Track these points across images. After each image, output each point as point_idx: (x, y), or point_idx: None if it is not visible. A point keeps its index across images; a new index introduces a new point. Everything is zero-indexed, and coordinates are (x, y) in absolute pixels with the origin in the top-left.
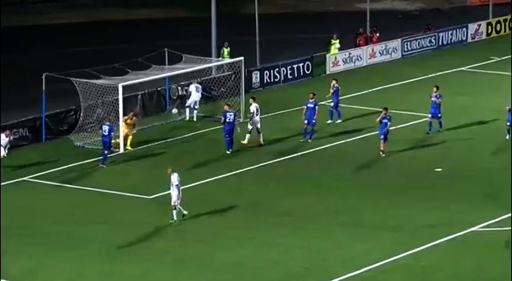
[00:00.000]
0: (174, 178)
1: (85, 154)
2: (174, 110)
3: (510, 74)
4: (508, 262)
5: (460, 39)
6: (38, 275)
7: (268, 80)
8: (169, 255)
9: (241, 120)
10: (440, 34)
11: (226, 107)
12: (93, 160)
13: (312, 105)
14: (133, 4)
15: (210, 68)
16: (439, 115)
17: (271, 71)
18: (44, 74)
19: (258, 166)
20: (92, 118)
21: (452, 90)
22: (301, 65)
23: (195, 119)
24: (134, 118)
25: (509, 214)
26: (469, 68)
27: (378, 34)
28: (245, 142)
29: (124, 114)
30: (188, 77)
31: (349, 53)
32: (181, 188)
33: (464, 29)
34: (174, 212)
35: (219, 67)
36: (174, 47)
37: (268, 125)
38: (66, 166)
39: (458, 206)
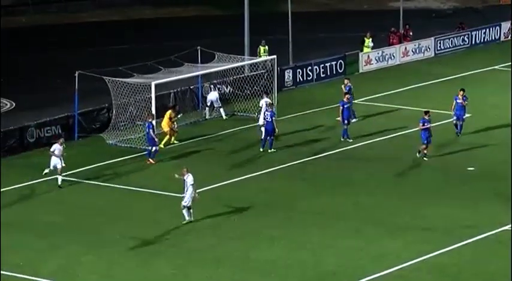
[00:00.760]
0: (190, 178)
1: (117, 152)
2: (206, 112)
3: None
4: None
5: (493, 38)
6: (70, 273)
7: (301, 79)
8: (203, 253)
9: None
10: (473, 33)
11: (269, 107)
12: (125, 158)
13: (348, 106)
14: (166, 3)
15: (242, 66)
16: (464, 118)
17: (304, 69)
18: (76, 73)
19: (289, 165)
20: (124, 116)
21: (485, 89)
22: (334, 63)
23: (223, 117)
24: (170, 111)
25: None
26: (502, 66)
27: (411, 33)
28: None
29: (157, 112)
30: (221, 75)
31: (382, 52)
32: (213, 186)
33: (498, 27)
34: (185, 211)
35: (252, 65)
36: (207, 45)
37: (300, 123)
38: (98, 164)
39: (491, 206)
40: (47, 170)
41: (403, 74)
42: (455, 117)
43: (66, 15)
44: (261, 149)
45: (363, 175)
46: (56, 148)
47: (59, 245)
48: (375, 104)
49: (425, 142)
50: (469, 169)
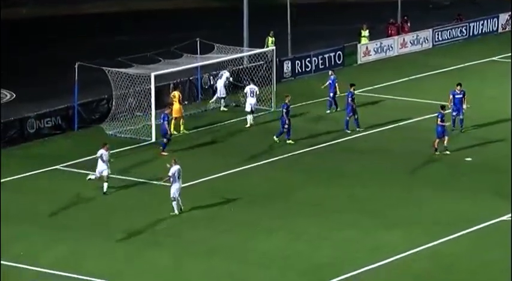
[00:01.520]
0: (174, 169)
1: (117, 143)
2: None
3: None
4: None
5: (490, 29)
6: (71, 263)
7: (300, 70)
8: (200, 244)
9: (272, 109)
10: (471, 24)
11: (287, 100)
12: (125, 148)
13: (353, 97)
14: None
15: (241, 57)
16: (463, 112)
17: (303, 60)
18: (76, 64)
19: (287, 156)
20: (123, 107)
21: (483, 81)
22: (332, 55)
23: (222, 108)
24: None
25: None
26: (499, 58)
27: (408, 24)
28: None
29: (156, 102)
30: (220, 66)
31: (381, 43)
32: (214, 177)
33: (495, 19)
34: (175, 204)
35: (251, 57)
36: (206, 37)
37: (299, 114)
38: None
39: (488, 197)
40: (92, 177)
41: (401, 65)
42: (454, 113)
43: (66, 7)
44: (288, 141)
45: (359, 167)
46: (102, 153)
47: (59, 236)
48: (373, 95)
49: (441, 136)
50: (467, 159)
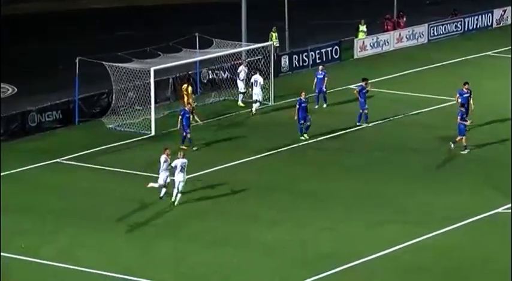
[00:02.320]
0: (180, 162)
1: (117, 136)
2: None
3: None
4: None
5: (485, 24)
6: (72, 256)
7: (297, 64)
8: (202, 235)
9: (270, 103)
10: (466, 19)
11: (303, 95)
12: (125, 142)
13: (364, 91)
14: None
15: (239, 52)
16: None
17: (300, 55)
18: (77, 58)
19: (288, 148)
20: (123, 101)
21: (478, 75)
22: (329, 49)
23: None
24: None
25: None
26: (494, 52)
27: (404, 19)
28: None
29: (156, 95)
30: (219, 61)
31: (377, 38)
32: (215, 169)
33: (490, 14)
34: (175, 192)
35: (249, 51)
36: (205, 32)
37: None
38: (99, 148)
39: (485, 189)
40: (161, 194)
41: (398, 59)
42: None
43: (67, 2)
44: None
45: (361, 160)
46: (164, 159)
47: (60, 229)
48: (369, 89)
49: (463, 133)
50: (462, 152)
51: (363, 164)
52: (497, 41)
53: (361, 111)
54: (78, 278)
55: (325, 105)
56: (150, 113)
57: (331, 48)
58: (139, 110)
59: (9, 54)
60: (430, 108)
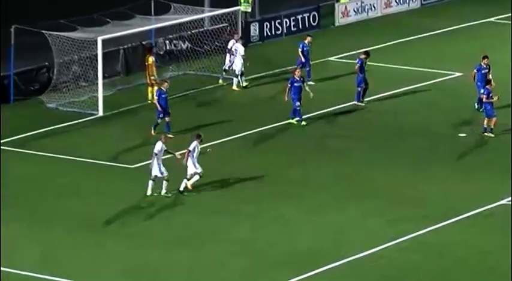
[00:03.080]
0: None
1: (59, 117)
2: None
3: None
4: None
5: None
6: (9, 253)
7: (269, 33)
8: (159, 235)
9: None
10: None
11: (297, 72)
12: (69, 123)
13: (359, 64)
14: None
15: (202, 19)
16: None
17: (272, 22)
18: (12, 27)
19: (258, 130)
20: (66, 76)
21: (479, 43)
22: (306, 15)
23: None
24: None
25: None
26: (498, 19)
27: None
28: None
29: (104, 70)
30: (177, 29)
31: (361, 2)
32: (168, 156)
33: None
34: (164, 184)
35: (213, 18)
36: None
37: (268, 83)
38: (38, 131)
39: (485, 177)
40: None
41: (385, 27)
42: (481, 91)
43: None
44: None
45: (340, 144)
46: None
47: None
48: (353, 61)
49: (491, 114)
50: (461, 135)
51: (341, 149)
52: (502, 5)
53: (359, 89)
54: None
55: (311, 82)
56: (97, 90)
57: (308, 14)
58: (84, 86)
59: None
60: (426, 83)
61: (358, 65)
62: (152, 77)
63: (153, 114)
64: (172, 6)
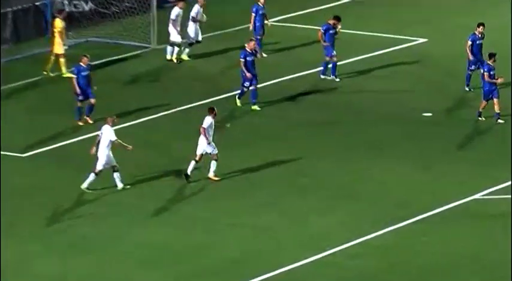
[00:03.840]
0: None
1: None
2: None
3: None
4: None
5: None
6: None
7: None
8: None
9: (151, 46)
10: None
11: (251, 44)
12: None
13: (332, 32)
14: None
15: None
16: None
17: None
18: None
19: (178, 110)
20: None
21: (454, 8)
22: None
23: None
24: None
25: None
26: None
27: None
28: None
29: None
30: None
31: None
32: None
33: None
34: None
35: None
36: None
37: (201, 52)
38: None
39: (455, 166)
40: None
41: None
42: (472, 67)
43: None
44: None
45: (281, 127)
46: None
47: None
48: (292, 25)
49: (488, 96)
50: (425, 114)
51: (281, 134)
52: None
53: (327, 58)
54: None
55: (265, 55)
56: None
57: None
58: None
59: None
60: (382, 51)
61: (322, 30)
62: (63, 47)
63: (39, 93)
64: None
